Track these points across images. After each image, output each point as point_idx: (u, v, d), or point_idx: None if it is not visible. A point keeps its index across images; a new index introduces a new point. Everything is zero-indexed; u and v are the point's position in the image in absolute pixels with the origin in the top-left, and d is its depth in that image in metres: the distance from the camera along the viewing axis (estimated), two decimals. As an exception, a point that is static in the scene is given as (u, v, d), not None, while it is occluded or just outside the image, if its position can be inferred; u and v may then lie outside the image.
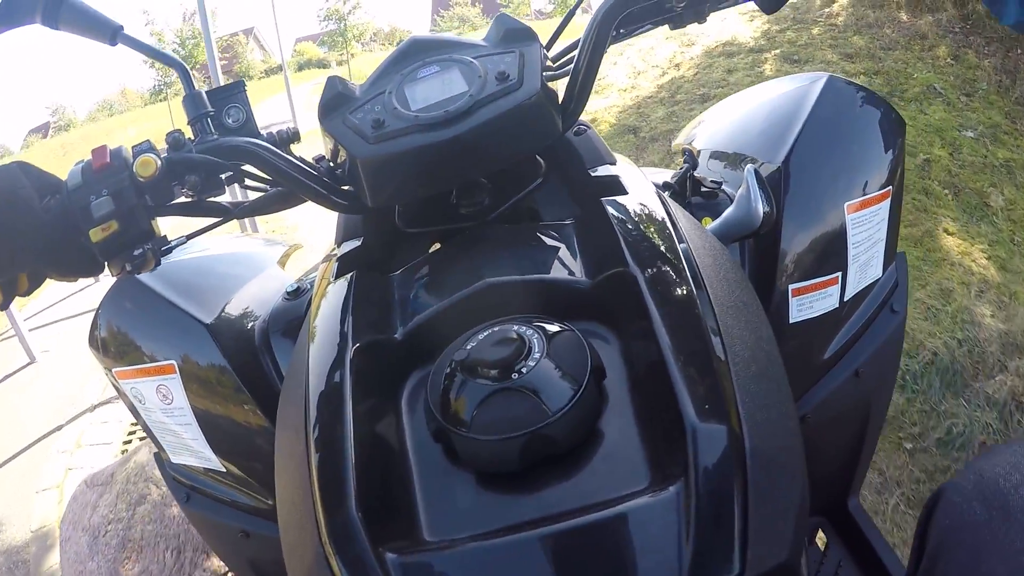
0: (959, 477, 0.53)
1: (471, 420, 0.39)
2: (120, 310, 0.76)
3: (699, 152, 0.96)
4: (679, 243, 0.50)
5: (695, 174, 0.84)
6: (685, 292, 0.44)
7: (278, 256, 0.89)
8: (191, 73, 0.62)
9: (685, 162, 0.85)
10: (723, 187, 0.84)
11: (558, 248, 0.54)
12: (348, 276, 0.56)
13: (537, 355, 0.40)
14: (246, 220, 3.25)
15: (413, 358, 0.48)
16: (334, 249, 0.65)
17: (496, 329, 0.43)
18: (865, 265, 0.87)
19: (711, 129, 0.98)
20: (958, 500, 0.51)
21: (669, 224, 0.52)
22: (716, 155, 0.92)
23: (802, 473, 0.40)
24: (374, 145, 0.55)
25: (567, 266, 0.51)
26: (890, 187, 0.86)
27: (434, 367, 0.44)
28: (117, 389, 0.80)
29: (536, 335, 0.41)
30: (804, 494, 0.39)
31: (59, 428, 2.26)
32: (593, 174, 0.61)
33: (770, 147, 0.83)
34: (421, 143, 0.54)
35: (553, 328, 0.43)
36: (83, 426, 2.23)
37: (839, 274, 0.84)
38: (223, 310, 0.75)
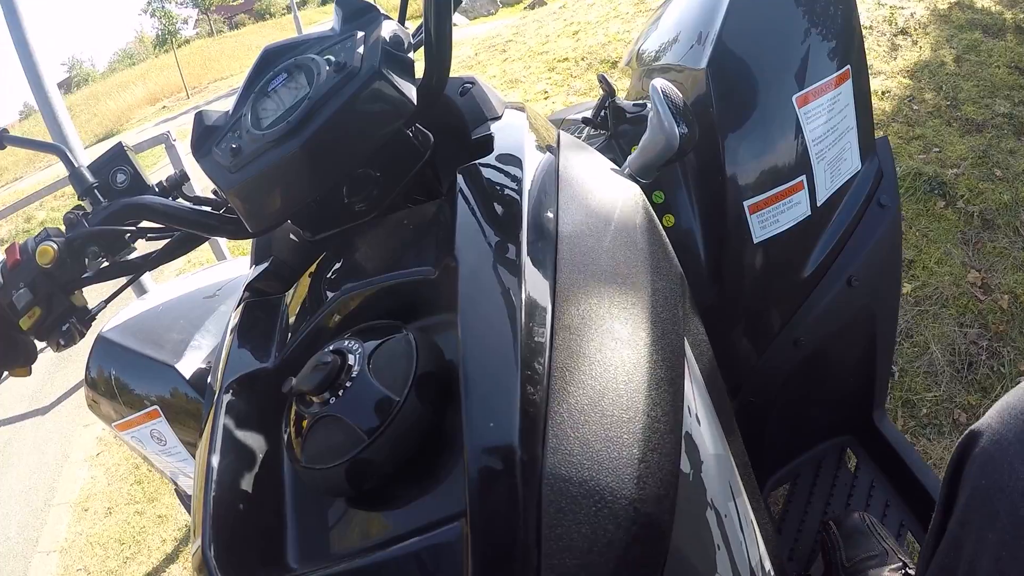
0: (994, 419, 0.41)
1: (303, 450, 0.39)
2: (101, 371, 0.82)
3: (635, 72, 0.89)
4: (526, 210, 0.45)
5: (616, 101, 0.77)
6: (505, 279, 0.39)
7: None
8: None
9: (603, 91, 0.78)
10: (648, 109, 0.77)
11: (420, 236, 0.51)
12: (241, 306, 0.57)
13: (356, 373, 0.38)
14: (221, 246, 3.14)
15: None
16: (248, 273, 0.66)
17: (320, 352, 0.41)
18: (835, 161, 0.77)
19: (646, 46, 0.89)
20: (995, 453, 0.39)
21: (524, 189, 0.48)
22: (646, 73, 0.84)
23: (640, 502, 0.31)
24: (235, 174, 0.54)
25: (421, 257, 0.48)
26: (848, 66, 0.75)
27: None
28: (124, 441, 0.87)
29: (359, 349, 0.39)
30: (640, 525, 0.31)
31: None
32: (474, 136, 0.57)
33: (691, 52, 0.74)
34: (272, 161, 0.53)
35: (379, 337, 0.40)
36: None
37: (803, 178, 0.75)
38: (189, 346, 0.79)
